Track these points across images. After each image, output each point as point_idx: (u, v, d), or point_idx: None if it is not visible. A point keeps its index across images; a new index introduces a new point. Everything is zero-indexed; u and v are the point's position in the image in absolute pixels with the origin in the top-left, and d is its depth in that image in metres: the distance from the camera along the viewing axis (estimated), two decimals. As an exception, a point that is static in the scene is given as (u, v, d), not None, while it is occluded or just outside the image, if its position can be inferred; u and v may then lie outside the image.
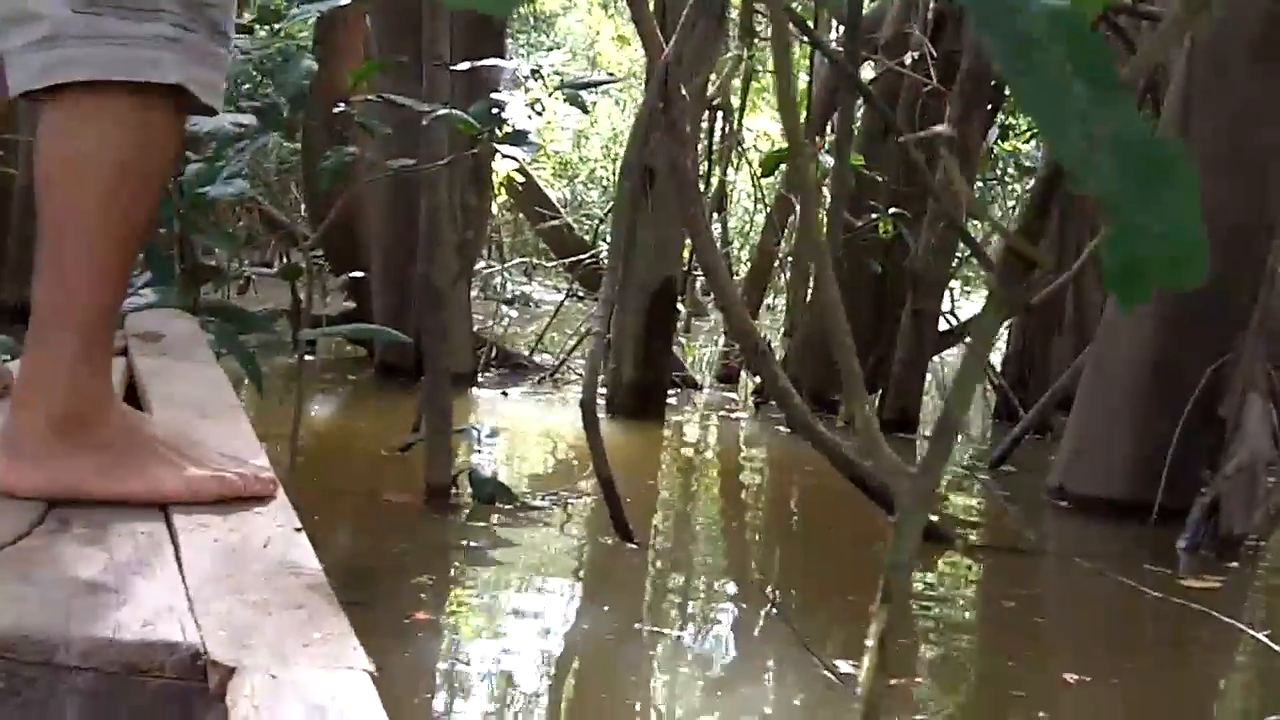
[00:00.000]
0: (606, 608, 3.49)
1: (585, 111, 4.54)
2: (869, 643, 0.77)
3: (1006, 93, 8.20)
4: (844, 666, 3.01)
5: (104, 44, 1.34)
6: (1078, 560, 4.26)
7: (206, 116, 1.50)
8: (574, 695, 2.85)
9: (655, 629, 3.27)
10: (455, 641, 3.07)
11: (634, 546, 3.97)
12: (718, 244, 12.38)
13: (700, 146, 10.41)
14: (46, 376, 1.36)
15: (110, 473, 1.34)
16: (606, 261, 4.38)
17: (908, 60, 7.18)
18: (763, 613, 3.39)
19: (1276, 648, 2.71)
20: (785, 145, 7.53)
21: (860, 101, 6.88)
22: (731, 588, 3.82)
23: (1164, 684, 3.13)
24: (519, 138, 3.65)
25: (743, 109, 12.09)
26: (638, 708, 2.74)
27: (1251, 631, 2.74)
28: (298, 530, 1.31)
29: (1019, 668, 3.27)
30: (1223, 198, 4.76)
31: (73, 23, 1.34)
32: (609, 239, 4.79)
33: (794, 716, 2.76)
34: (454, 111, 3.91)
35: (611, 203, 6.83)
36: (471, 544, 3.90)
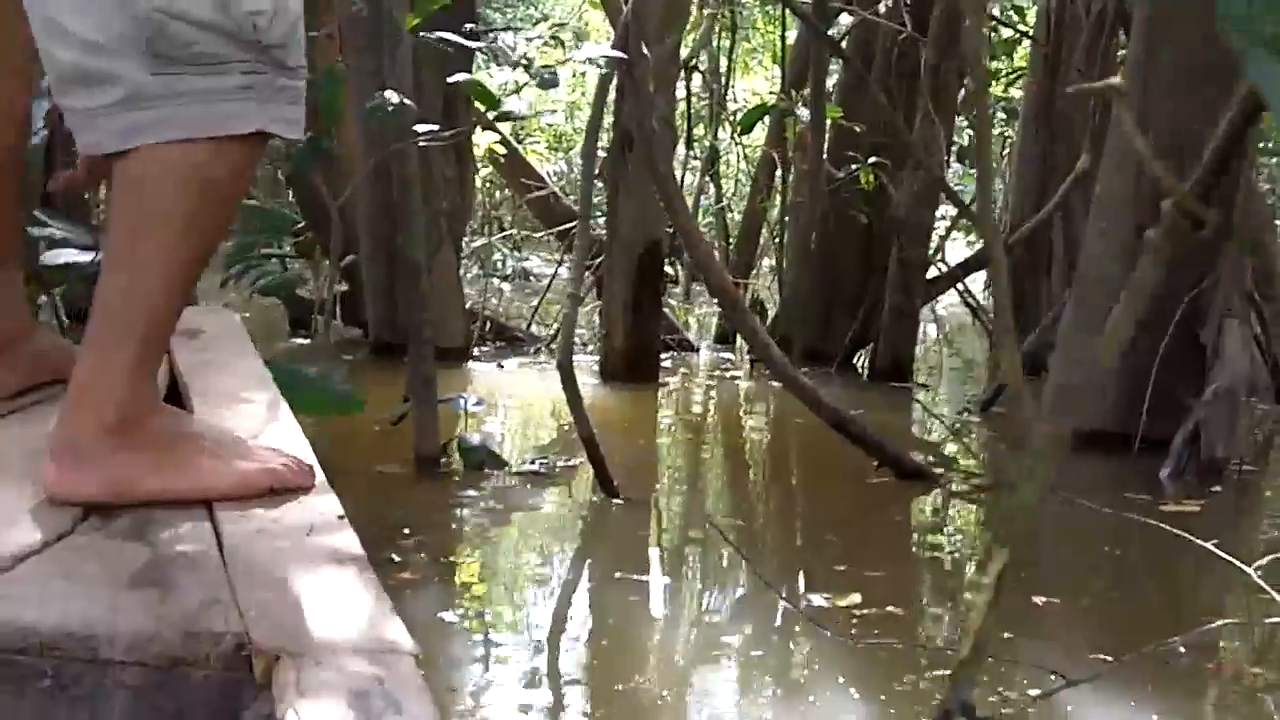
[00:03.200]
0: (590, 560, 3.58)
1: (552, 87, 4.55)
2: (985, 580, 0.80)
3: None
4: (817, 600, 3.09)
5: (185, 103, 1.34)
6: (1052, 491, 4.32)
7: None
8: (556, 642, 2.93)
9: (636, 577, 3.34)
10: (441, 599, 3.15)
11: (619, 502, 4.04)
12: (712, 204, 12.43)
13: (682, 108, 10.44)
14: (104, 382, 1.35)
15: (162, 472, 1.34)
16: (577, 226, 4.44)
17: (881, 8, 7.20)
18: (741, 556, 3.47)
19: (1232, 560, 2.77)
20: (762, 103, 7.57)
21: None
22: (711, 535, 3.89)
23: (1129, 602, 3.20)
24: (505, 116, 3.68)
25: (730, 70, 12.09)
26: (618, 651, 2.82)
27: (1209, 546, 2.80)
28: (340, 518, 1.31)
29: (992, 594, 3.34)
30: (1195, 113, 4.75)
31: (151, 85, 1.33)
32: (578, 204, 4.84)
33: (765, 649, 2.83)
34: (470, 78, 3.94)
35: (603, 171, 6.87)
36: (460, 508, 3.98)
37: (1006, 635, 2.89)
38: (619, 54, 3.88)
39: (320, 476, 1.46)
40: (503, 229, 15.35)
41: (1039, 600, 3.13)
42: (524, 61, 4.00)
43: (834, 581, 3.24)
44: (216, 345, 2.30)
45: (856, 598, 3.09)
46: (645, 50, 4.43)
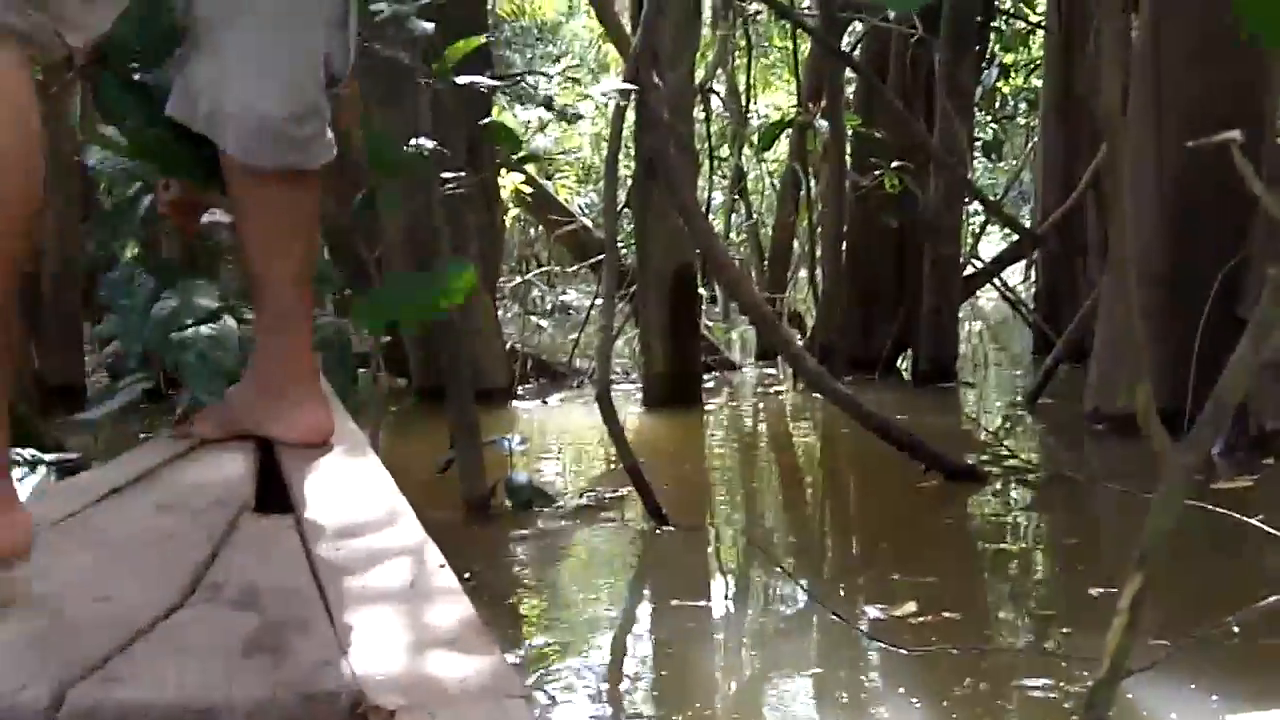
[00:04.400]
0: (645, 590, 3.59)
1: (573, 121, 4.64)
2: (1121, 604, 0.81)
3: (995, 27, 8.19)
4: (873, 612, 3.09)
5: (326, 123, 1.83)
6: (1093, 481, 4.31)
7: None
8: (618, 674, 2.94)
9: (693, 603, 3.35)
10: (503, 640, 3.17)
11: (670, 529, 4.06)
12: (744, 222, 12.45)
13: (704, 130, 10.47)
14: (305, 349, 1.93)
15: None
16: (605, 257, 4.48)
17: (891, 13, 7.21)
18: (788, 575, 3.48)
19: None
20: (781, 118, 7.60)
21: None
22: (763, 558, 3.90)
23: (1186, 586, 3.17)
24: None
25: (750, 88, 12.13)
26: (681, 678, 2.84)
27: (1254, 522, 2.78)
28: (442, 566, 1.35)
29: (1048, 587, 3.34)
30: (1209, 87, 4.72)
31: (324, 106, 1.86)
32: (604, 234, 4.88)
33: (825, 666, 2.84)
34: (495, 120, 4.02)
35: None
36: (511, 548, 4.01)
37: (1065, 630, 2.89)
38: (628, 86, 3.92)
39: (417, 523, 1.54)
40: (539, 265, 15.43)
41: (1095, 592, 3.12)
42: (545, 100, 4.05)
43: (889, 591, 3.25)
44: None
45: (912, 606, 3.08)
46: (658, 79, 4.46)
